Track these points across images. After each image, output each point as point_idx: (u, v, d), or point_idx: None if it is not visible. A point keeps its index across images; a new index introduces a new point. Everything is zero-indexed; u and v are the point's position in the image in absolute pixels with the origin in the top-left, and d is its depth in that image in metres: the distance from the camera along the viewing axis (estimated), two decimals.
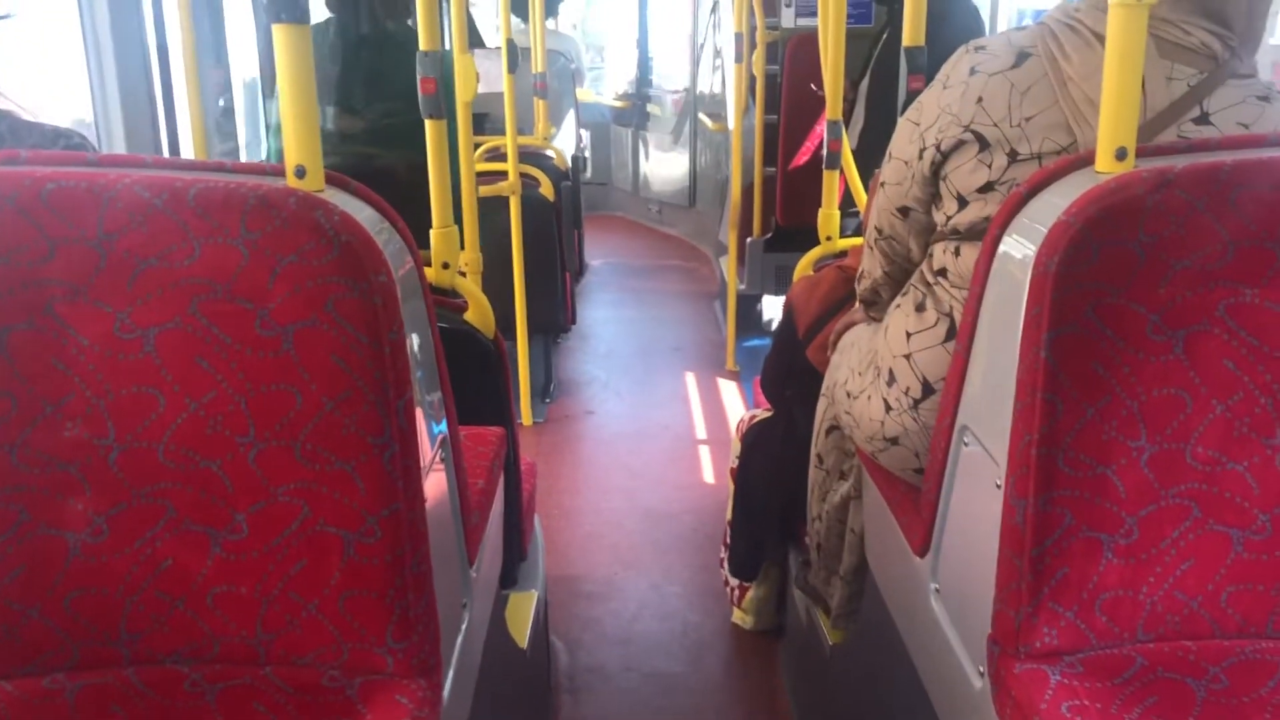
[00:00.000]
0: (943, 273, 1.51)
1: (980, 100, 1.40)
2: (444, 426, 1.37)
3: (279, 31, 1.11)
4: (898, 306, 1.62)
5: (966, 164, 1.42)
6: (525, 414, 3.99)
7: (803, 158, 4.39)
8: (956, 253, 1.48)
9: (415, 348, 1.20)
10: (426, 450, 1.23)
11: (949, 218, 1.48)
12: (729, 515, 2.64)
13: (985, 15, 4.16)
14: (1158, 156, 1.15)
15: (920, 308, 1.55)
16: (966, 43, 1.48)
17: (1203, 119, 1.30)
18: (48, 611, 1.16)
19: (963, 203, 1.45)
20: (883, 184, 1.62)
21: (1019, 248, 1.19)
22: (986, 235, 1.27)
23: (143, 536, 1.15)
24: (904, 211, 1.58)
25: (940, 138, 1.45)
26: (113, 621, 1.17)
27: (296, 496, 1.13)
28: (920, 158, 1.49)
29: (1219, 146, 1.18)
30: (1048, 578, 1.16)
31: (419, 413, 1.19)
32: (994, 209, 1.40)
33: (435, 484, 1.29)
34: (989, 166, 1.40)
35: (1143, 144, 1.15)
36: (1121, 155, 1.12)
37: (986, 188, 1.41)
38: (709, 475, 3.63)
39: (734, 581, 2.67)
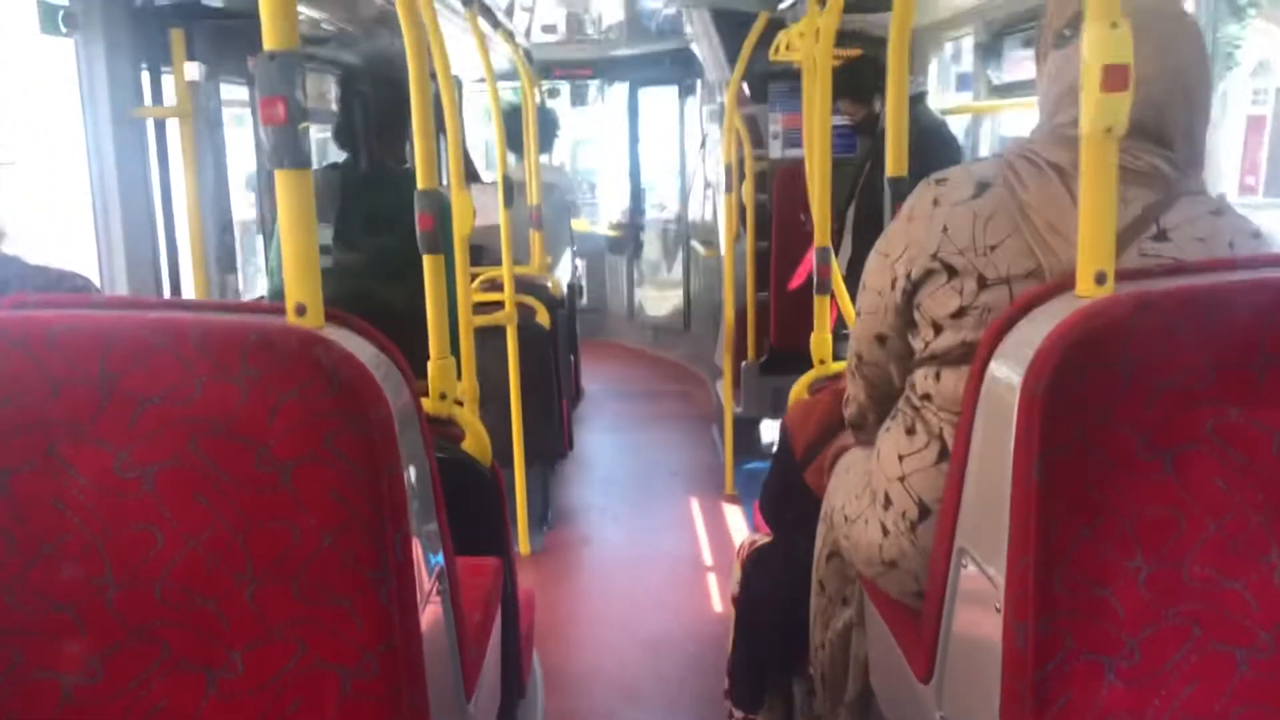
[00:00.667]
0: (927, 397, 1.54)
1: (945, 230, 1.45)
2: (441, 558, 1.36)
3: (281, 177, 1.15)
4: (888, 430, 1.63)
5: (938, 291, 1.46)
6: (523, 543, 3.96)
7: (796, 283, 4.46)
8: (938, 377, 1.51)
9: (412, 479, 1.21)
10: (424, 582, 1.23)
11: (927, 344, 1.51)
12: (731, 644, 2.60)
13: (966, 143, 4.28)
14: (1136, 280, 1.18)
15: (910, 430, 1.56)
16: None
17: (1161, 236, 1.36)
18: None
19: (938, 329, 1.49)
20: (859, 313, 1.67)
21: (1006, 372, 1.21)
22: (975, 360, 1.30)
23: (137, 677, 1.13)
24: (882, 339, 1.62)
25: (910, 268, 1.50)
26: None
27: (293, 634, 1.13)
28: (892, 288, 1.54)
29: (1195, 270, 1.21)
30: (1052, 702, 1.14)
31: (416, 544, 1.19)
32: (969, 333, 1.43)
33: (432, 618, 1.28)
34: (960, 293, 1.44)
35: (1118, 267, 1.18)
36: (1101, 279, 1.15)
37: (960, 313, 1.45)
38: (710, 601, 3.58)
39: (738, 714, 2.61)
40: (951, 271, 1.44)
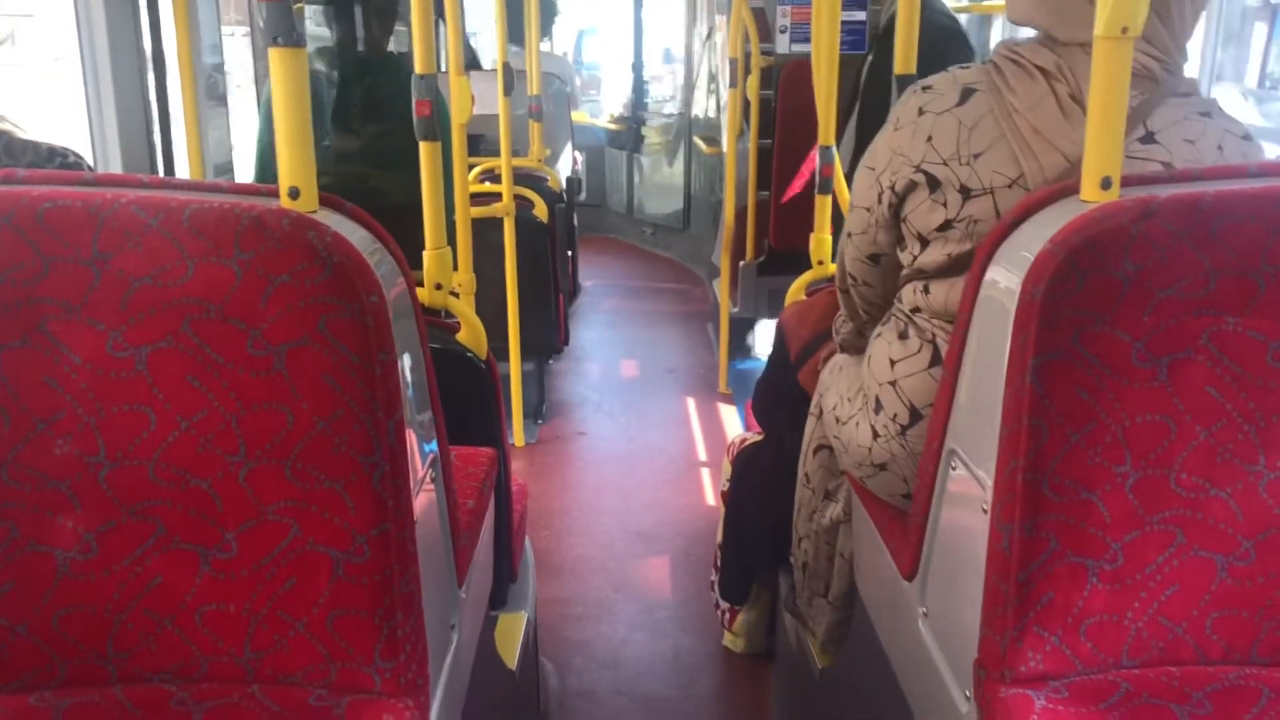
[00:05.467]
0: (916, 310, 1.54)
1: (930, 139, 1.43)
2: (435, 446, 1.37)
3: (275, 55, 1.12)
4: (879, 335, 1.63)
5: (922, 205, 1.45)
6: (517, 435, 3.99)
7: (798, 183, 4.41)
8: (926, 290, 1.51)
9: (406, 368, 1.21)
10: (417, 470, 1.24)
11: (915, 258, 1.50)
12: (719, 538, 2.65)
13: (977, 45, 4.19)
14: (1141, 186, 1.16)
15: (903, 335, 1.56)
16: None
17: (1148, 138, 1.34)
18: (36, 628, 1.16)
19: (924, 243, 1.48)
20: (849, 235, 1.65)
21: (1005, 275, 1.20)
22: (973, 263, 1.29)
23: (132, 554, 1.15)
24: (875, 259, 1.61)
25: (894, 180, 1.48)
26: (100, 639, 1.17)
27: (286, 515, 1.14)
28: (880, 202, 1.52)
29: (1202, 177, 1.19)
30: (1033, 602, 1.16)
31: (410, 433, 1.19)
32: (954, 247, 1.43)
33: (425, 504, 1.30)
34: (944, 205, 1.43)
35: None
36: (1106, 185, 1.14)
37: (945, 226, 1.44)
38: (700, 497, 3.63)
39: (724, 604, 2.67)
40: (933, 183, 1.43)
